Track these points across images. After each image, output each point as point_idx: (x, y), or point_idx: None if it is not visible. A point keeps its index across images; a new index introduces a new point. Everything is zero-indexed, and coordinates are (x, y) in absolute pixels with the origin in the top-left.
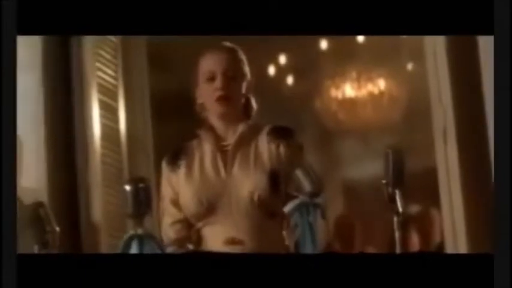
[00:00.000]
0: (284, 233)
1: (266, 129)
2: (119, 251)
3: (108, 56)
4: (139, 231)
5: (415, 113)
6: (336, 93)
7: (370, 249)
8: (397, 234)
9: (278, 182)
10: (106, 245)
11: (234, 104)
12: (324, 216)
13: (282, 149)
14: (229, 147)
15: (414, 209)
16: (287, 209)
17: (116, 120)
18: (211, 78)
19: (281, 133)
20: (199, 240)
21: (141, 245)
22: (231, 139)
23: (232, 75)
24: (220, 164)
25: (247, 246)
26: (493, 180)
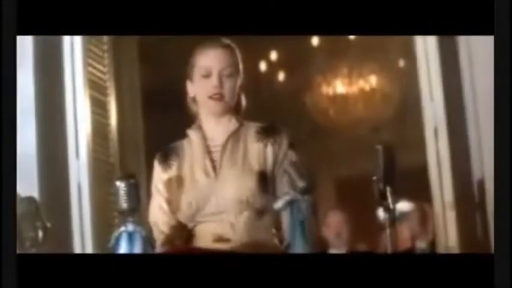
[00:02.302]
0: (273, 231)
1: (254, 128)
2: (109, 246)
3: (99, 52)
4: (130, 227)
5: (406, 109)
6: (327, 89)
7: (361, 246)
8: (388, 231)
9: (266, 182)
10: (96, 240)
11: (227, 102)
12: (314, 213)
13: (269, 147)
14: (218, 148)
15: (405, 205)
16: (277, 205)
17: (107, 116)
18: (207, 75)
19: (269, 132)
20: (189, 239)
21: (131, 240)
22: (220, 139)
23: (228, 74)
24: (209, 165)
25: (235, 244)
26: (484, 177)
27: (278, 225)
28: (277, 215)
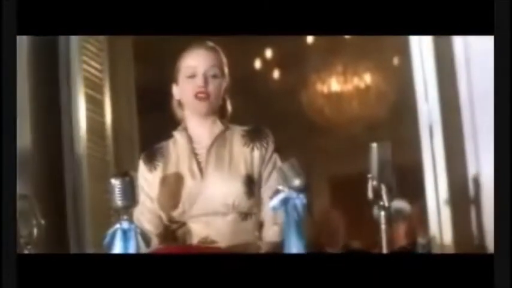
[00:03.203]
0: (256, 233)
1: (240, 132)
2: (104, 243)
3: (94, 50)
4: (125, 224)
5: (401, 107)
6: (321, 87)
7: (356, 244)
8: (382, 229)
9: (252, 185)
10: (91, 237)
11: (211, 103)
12: (309, 211)
13: (256, 151)
14: (204, 150)
15: (400, 204)
16: (272, 203)
17: (102, 114)
18: (192, 76)
19: (255, 135)
20: (174, 239)
21: (125, 238)
22: (206, 141)
23: (213, 75)
24: (195, 168)
25: (221, 246)
26: (479, 175)
27: (262, 227)
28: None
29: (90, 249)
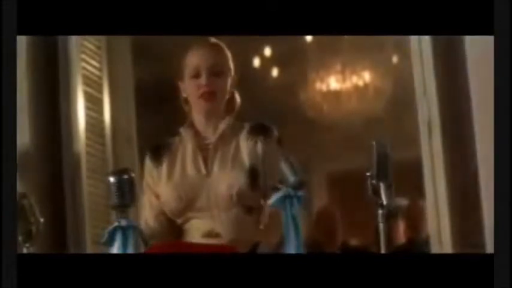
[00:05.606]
0: (260, 227)
1: (247, 127)
2: (102, 242)
3: (93, 48)
4: (123, 222)
5: (400, 105)
6: (320, 85)
7: (354, 242)
8: (381, 227)
9: (256, 179)
10: (90, 236)
11: (218, 101)
12: (307, 209)
13: (260, 145)
14: (210, 146)
15: (399, 201)
16: (271, 201)
17: (101, 112)
18: (197, 75)
19: (260, 130)
20: (179, 234)
21: (125, 236)
22: (212, 137)
23: (217, 72)
24: (201, 162)
25: (225, 239)
26: (477, 171)
27: (266, 221)
28: (267, 210)
29: (88, 248)
